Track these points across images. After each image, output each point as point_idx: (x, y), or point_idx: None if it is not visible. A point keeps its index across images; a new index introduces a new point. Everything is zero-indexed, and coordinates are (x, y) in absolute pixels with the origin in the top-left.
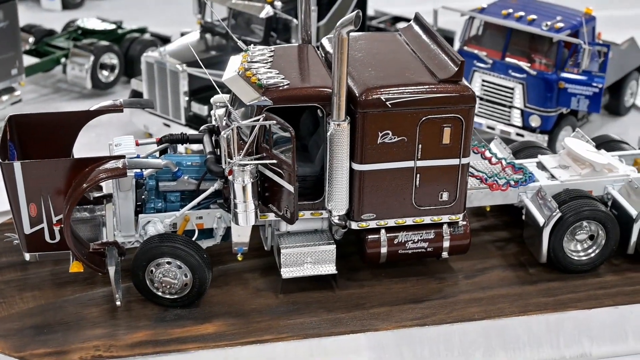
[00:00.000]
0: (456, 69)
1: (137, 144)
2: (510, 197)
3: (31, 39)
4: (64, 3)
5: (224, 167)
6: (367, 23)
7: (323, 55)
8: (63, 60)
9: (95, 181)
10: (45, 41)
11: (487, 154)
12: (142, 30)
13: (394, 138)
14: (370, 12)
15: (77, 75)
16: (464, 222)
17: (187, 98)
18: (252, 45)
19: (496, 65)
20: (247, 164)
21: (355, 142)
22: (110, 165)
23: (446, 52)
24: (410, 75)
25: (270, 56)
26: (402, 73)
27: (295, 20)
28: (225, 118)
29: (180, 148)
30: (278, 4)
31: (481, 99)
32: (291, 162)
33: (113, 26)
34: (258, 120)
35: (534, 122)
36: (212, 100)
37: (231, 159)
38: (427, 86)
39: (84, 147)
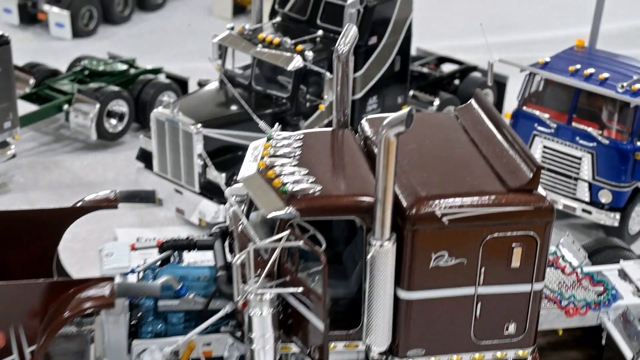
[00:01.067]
0: (531, 176)
1: (134, 248)
2: (588, 319)
3: (32, 81)
4: (75, 30)
5: (236, 297)
6: (409, 68)
7: (362, 140)
8: (66, 107)
9: (77, 312)
10: (47, 83)
11: (561, 262)
12: (157, 71)
13: (451, 260)
14: (412, 51)
15: (82, 124)
16: (533, 355)
17: (201, 162)
18: (276, 128)
19: (561, 130)
20: (266, 292)
21: (402, 265)
22: (95, 291)
23: (517, 150)
24: (472, 181)
25: (298, 146)
26: (463, 177)
27: (328, 73)
28: (241, 222)
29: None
30: (309, 54)
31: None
32: (322, 295)
33: (124, 66)
34: (281, 239)
35: (604, 197)
36: (226, 193)
37: (245, 283)
38: (493, 196)
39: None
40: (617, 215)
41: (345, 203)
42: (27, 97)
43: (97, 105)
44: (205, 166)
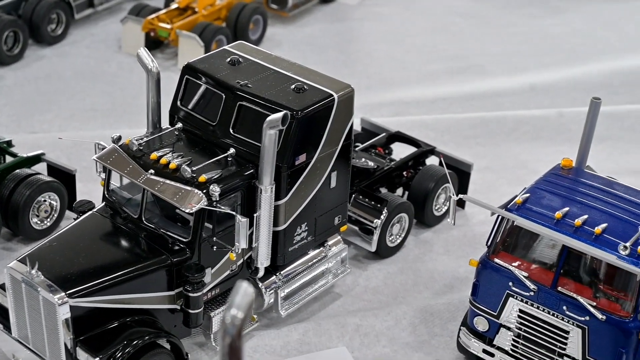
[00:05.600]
0: None
1: None
2: None
3: None
4: None
5: None
6: (349, 181)
7: None
8: None
9: None
10: None
11: None
12: (36, 159)
13: None
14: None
15: None
16: None
17: (71, 336)
18: None
19: (543, 294)
20: None
21: None
22: None
23: None
24: None
25: None
26: None
27: (240, 217)
28: None
29: None
30: (216, 190)
31: (517, 335)
32: None
33: None
34: None
35: None
36: None
37: None
38: None
39: None
40: None
41: None
42: None
43: None
44: (75, 343)
